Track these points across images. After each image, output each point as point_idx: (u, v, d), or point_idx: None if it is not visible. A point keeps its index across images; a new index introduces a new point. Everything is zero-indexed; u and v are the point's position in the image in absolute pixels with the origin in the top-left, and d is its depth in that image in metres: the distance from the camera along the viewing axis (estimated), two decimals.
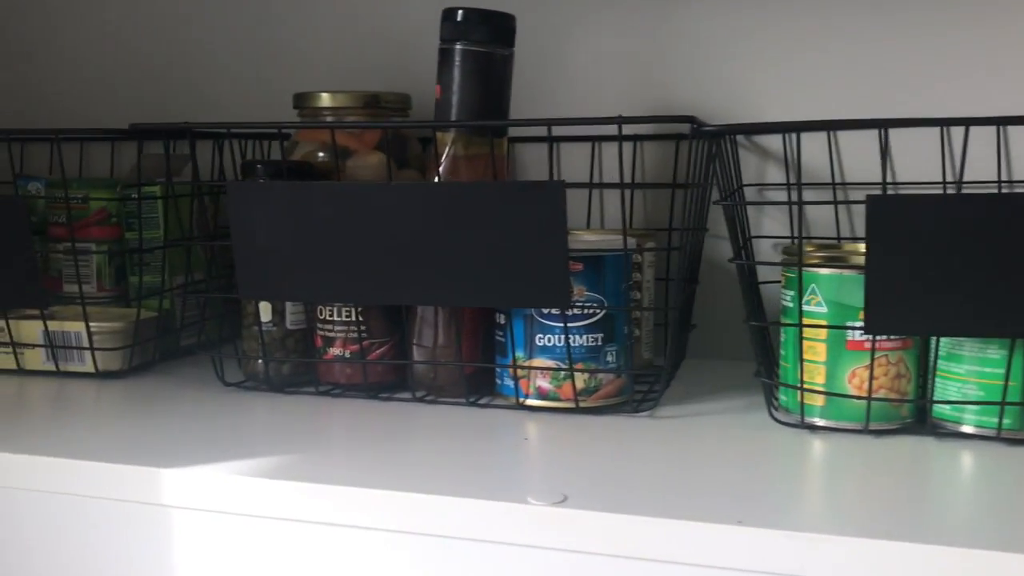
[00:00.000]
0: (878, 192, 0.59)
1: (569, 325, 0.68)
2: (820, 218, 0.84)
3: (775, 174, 0.86)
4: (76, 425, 0.67)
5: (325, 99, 0.82)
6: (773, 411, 0.68)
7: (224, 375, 0.78)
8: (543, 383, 0.69)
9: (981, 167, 0.80)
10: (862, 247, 0.62)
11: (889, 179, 0.82)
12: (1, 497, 0.62)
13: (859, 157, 0.84)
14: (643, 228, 0.88)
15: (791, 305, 0.67)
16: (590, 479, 0.56)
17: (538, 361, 0.69)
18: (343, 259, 0.69)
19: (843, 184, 0.84)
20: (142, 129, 0.75)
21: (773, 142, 0.85)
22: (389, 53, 0.95)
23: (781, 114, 0.84)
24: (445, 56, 0.72)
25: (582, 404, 0.69)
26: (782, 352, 0.68)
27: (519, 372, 0.69)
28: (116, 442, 0.63)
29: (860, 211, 0.83)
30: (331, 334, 0.75)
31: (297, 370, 0.77)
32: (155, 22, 1.02)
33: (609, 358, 0.70)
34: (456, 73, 0.71)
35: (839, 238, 0.83)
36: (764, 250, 0.85)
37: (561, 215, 0.64)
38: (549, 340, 0.69)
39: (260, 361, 0.76)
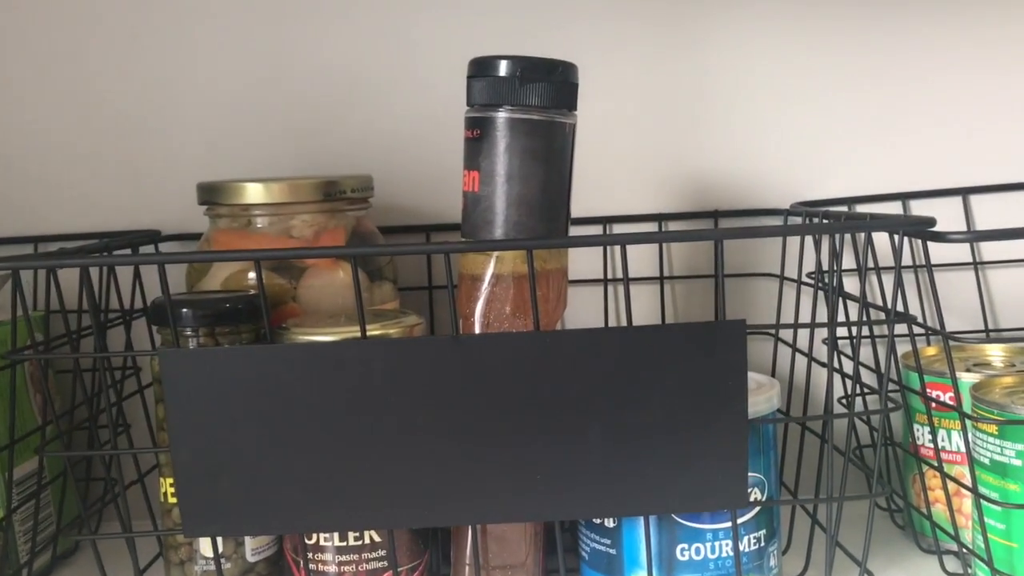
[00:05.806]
0: None
1: (739, 522, 0.45)
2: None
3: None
4: None
5: (256, 193, 0.55)
6: None
7: None
8: None
9: None
10: None
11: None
12: None
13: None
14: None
15: (1019, 464, 0.48)
16: None
17: None
18: (369, 463, 0.43)
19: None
20: None
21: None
22: (314, 113, 0.67)
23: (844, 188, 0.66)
24: (485, 128, 0.47)
25: None
26: (997, 527, 0.49)
27: None
28: None
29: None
30: (327, 568, 0.47)
31: None
32: None
33: (772, 562, 0.48)
34: (504, 156, 0.47)
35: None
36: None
37: (742, 371, 0.42)
38: (698, 551, 0.46)
39: None
